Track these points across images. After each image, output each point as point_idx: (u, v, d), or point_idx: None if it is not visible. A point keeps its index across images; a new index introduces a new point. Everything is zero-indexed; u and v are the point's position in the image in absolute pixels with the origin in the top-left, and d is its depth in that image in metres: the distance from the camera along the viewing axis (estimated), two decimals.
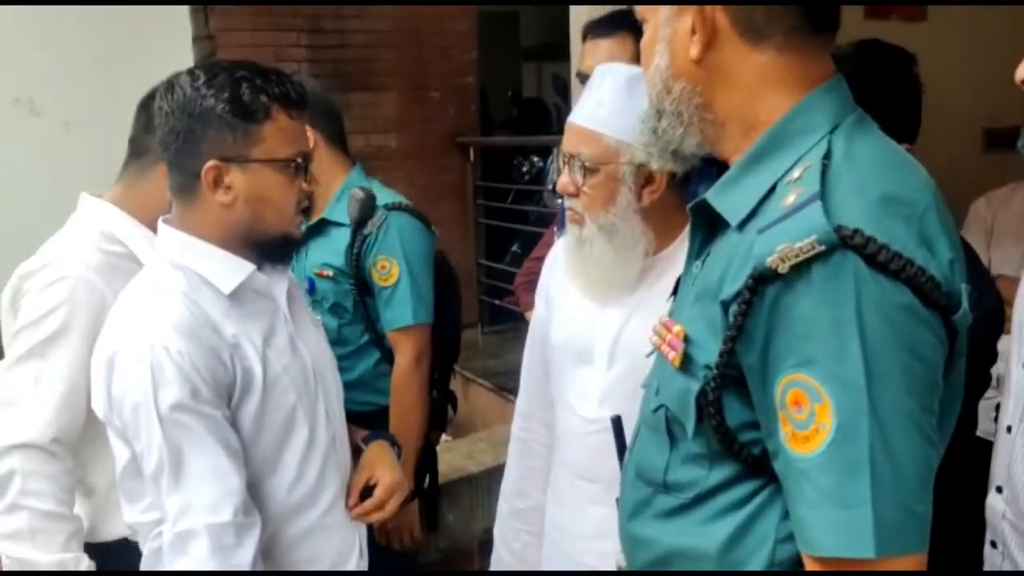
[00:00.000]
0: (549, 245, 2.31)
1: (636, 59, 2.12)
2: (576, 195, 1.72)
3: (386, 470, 1.79)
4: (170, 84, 1.58)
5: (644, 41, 1.26)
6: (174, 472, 1.49)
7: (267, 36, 4.65)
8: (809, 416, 1.03)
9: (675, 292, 1.38)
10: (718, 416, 1.14)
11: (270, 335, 1.64)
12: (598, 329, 1.79)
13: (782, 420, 1.06)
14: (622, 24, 2.21)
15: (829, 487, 1.02)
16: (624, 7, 2.26)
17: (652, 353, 1.33)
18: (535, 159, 5.47)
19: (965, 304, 1.07)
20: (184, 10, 3.16)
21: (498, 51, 8.42)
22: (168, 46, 3.19)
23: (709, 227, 1.25)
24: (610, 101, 1.69)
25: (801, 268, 1.02)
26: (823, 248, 1.01)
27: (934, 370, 1.06)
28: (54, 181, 3.06)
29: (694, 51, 1.18)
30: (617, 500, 1.42)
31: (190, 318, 1.53)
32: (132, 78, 3.15)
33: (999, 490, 1.54)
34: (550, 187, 5.59)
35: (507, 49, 9.37)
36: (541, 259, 2.10)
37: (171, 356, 1.48)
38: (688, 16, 1.18)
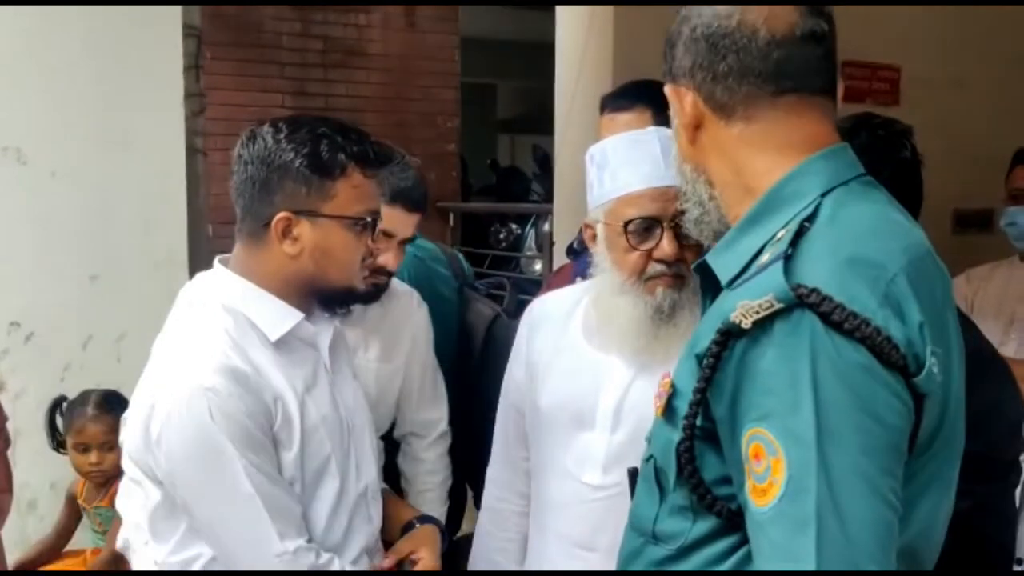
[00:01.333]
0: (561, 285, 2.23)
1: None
2: (682, 259, 1.64)
3: (431, 553, 1.81)
4: (252, 134, 1.61)
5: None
6: (231, 509, 1.50)
7: (253, 97, 4.71)
8: (766, 470, 1.04)
9: None
10: (692, 468, 1.15)
11: (312, 384, 1.64)
12: (601, 391, 1.72)
13: (747, 473, 1.07)
14: (641, 97, 2.19)
15: (779, 541, 1.03)
16: (642, 80, 2.23)
17: None
18: (513, 226, 5.53)
19: (930, 366, 1.07)
20: (176, 63, 3.18)
21: (476, 121, 8.55)
22: (158, 98, 3.20)
23: (714, 287, 1.27)
24: (664, 159, 1.64)
25: (765, 324, 1.05)
26: (781, 305, 1.04)
27: (894, 432, 1.05)
28: (41, 229, 3.05)
29: (686, 135, 1.28)
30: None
31: (238, 362, 1.53)
32: (121, 130, 3.18)
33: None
34: (528, 253, 5.68)
35: (484, 119, 9.52)
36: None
37: (220, 396, 1.48)
38: (678, 104, 1.28)
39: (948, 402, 1.13)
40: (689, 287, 1.64)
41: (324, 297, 1.66)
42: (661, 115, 2.06)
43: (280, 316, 1.61)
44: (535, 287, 4.87)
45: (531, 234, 5.51)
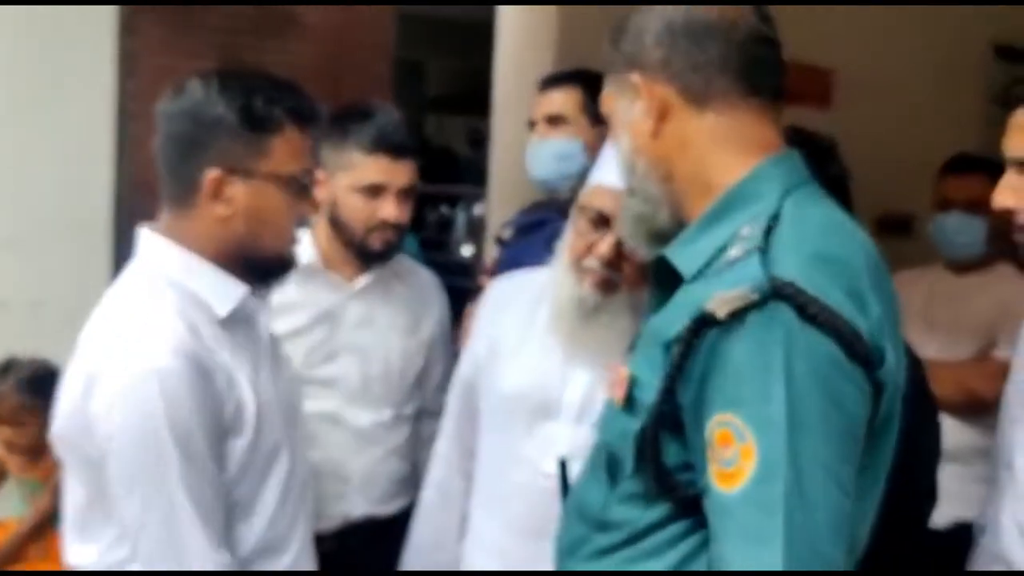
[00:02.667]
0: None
1: (583, 110, 2.20)
2: (617, 265, 1.67)
3: None
4: (178, 88, 1.50)
5: (612, 131, 1.35)
6: (155, 505, 1.39)
7: (181, 60, 4.55)
8: (734, 455, 1.09)
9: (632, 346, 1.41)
10: (655, 454, 1.18)
11: (257, 365, 1.55)
12: (569, 383, 1.74)
13: (711, 458, 1.12)
14: (573, 78, 2.30)
15: (747, 523, 1.08)
16: (577, 68, 2.34)
17: None
18: (443, 208, 5.51)
19: (890, 360, 1.14)
20: (108, 23, 3.06)
21: (404, 98, 8.46)
22: (87, 58, 3.09)
23: (667, 282, 1.30)
24: None
25: (738, 315, 1.09)
26: (756, 297, 1.09)
27: (854, 422, 1.12)
28: None
29: (648, 126, 1.28)
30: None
31: (191, 342, 1.43)
32: (47, 88, 3.06)
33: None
34: (457, 236, 5.67)
35: (413, 97, 9.41)
36: None
37: (175, 381, 1.39)
38: (640, 99, 1.29)
39: (895, 393, 1.19)
40: (619, 295, 1.68)
41: (256, 266, 1.56)
42: (589, 96, 2.16)
43: (225, 290, 1.52)
44: (464, 270, 4.87)
45: (461, 217, 5.49)
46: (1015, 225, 1.48)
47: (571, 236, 1.75)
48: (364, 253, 2.11)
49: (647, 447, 1.19)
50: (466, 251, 5.25)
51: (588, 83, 2.19)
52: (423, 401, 2.29)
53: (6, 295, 3.03)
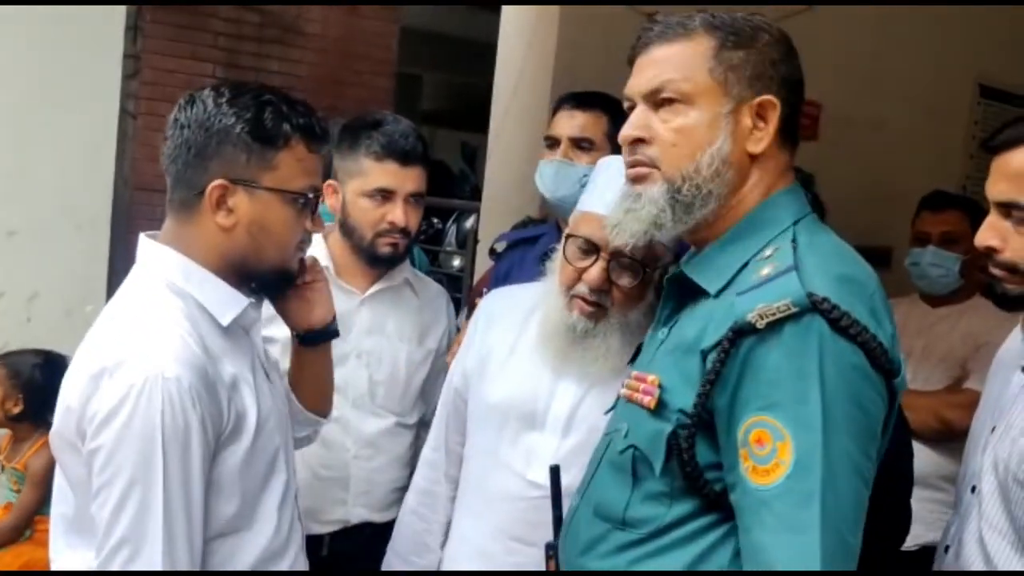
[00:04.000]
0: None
1: (607, 137, 2.21)
2: (608, 291, 1.70)
3: None
4: (191, 98, 1.51)
5: (689, 122, 1.36)
6: (137, 515, 1.37)
7: (184, 63, 4.61)
8: (771, 452, 1.20)
9: (633, 358, 1.53)
10: (690, 453, 1.28)
11: (255, 373, 1.56)
12: (556, 396, 1.78)
13: (743, 456, 1.23)
14: (599, 102, 2.29)
15: (785, 514, 1.19)
16: (597, 91, 2.34)
17: (610, 411, 1.48)
18: (435, 220, 5.56)
19: (904, 372, 1.27)
20: (118, 23, 3.11)
21: (401, 111, 8.51)
22: (95, 58, 3.13)
23: (680, 297, 1.42)
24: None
25: (775, 326, 1.21)
26: (796, 310, 1.20)
27: (874, 422, 1.25)
28: None
29: (759, 146, 1.37)
30: (551, 545, 1.56)
31: (199, 352, 1.43)
32: (54, 86, 3.10)
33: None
34: (447, 248, 5.72)
35: (409, 111, 9.49)
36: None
37: (180, 391, 1.37)
38: (748, 113, 1.36)
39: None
40: (609, 320, 1.73)
41: (255, 278, 1.56)
42: (613, 124, 2.18)
43: (227, 299, 1.52)
44: (454, 282, 4.92)
45: (452, 229, 5.55)
46: (995, 263, 1.56)
47: (561, 263, 1.79)
48: (372, 258, 2.16)
49: (681, 447, 1.29)
50: (456, 263, 5.30)
51: (611, 109, 2.21)
52: (426, 412, 2.32)
53: (4, 287, 3.07)
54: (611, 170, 1.74)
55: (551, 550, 1.59)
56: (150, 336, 1.42)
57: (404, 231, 2.13)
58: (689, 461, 1.29)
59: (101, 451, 1.38)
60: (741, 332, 1.23)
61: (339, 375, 1.90)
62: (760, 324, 1.21)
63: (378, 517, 2.22)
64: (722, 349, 1.24)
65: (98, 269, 3.22)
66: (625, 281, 1.70)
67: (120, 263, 3.13)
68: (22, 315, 3.11)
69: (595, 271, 1.70)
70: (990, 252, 1.55)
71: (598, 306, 1.72)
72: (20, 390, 2.88)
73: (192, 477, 1.40)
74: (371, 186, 2.11)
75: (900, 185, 3.67)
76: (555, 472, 1.61)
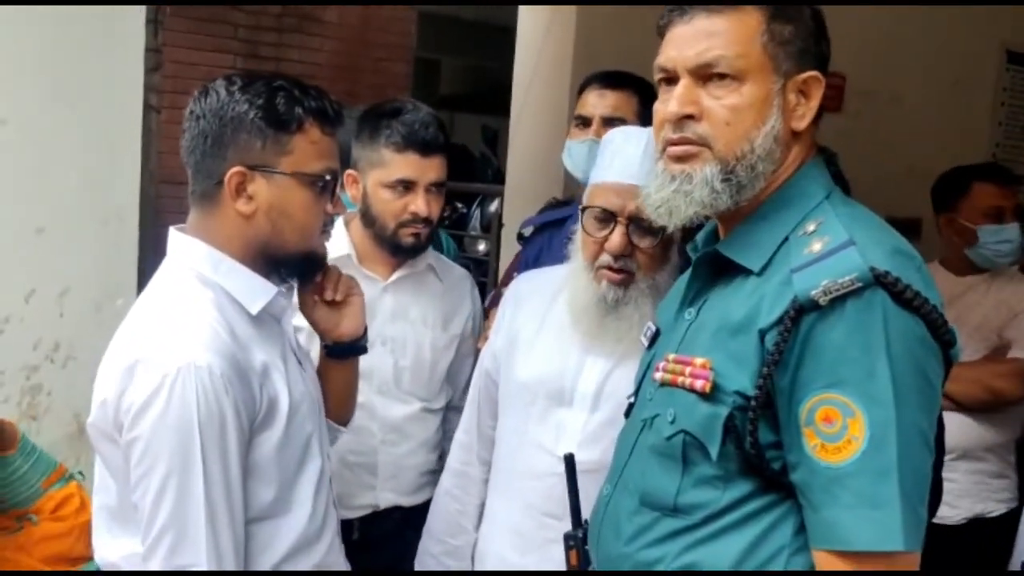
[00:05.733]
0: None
1: (638, 116, 2.21)
2: (630, 256, 1.72)
3: None
4: (205, 89, 1.52)
5: (744, 100, 1.31)
6: (178, 503, 1.39)
7: (204, 56, 4.64)
8: (841, 429, 1.19)
9: (653, 339, 1.50)
10: (754, 435, 1.26)
11: (286, 361, 1.57)
12: (584, 372, 1.80)
13: (808, 435, 1.21)
14: (629, 82, 2.30)
15: (863, 490, 1.18)
16: (625, 71, 2.34)
17: (633, 394, 1.46)
18: (458, 204, 5.56)
19: (959, 342, 1.26)
20: (138, 17, 3.13)
21: (420, 96, 8.52)
22: (117, 52, 3.14)
23: (710, 277, 1.39)
24: (641, 160, 1.70)
25: (836, 302, 1.19)
26: (860, 284, 1.18)
27: (937, 393, 1.24)
28: None
29: (803, 123, 1.34)
30: (570, 536, 1.54)
31: (229, 340, 1.45)
32: (77, 81, 3.12)
33: None
34: (472, 233, 5.73)
35: (428, 96, 9.49)
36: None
37: (213, 379, 1.39)
38: (793, 89, 1.33)
39: None
40: (638, 284, 1.74)
41: (282, 263, 1.56)
42: (643, 103, 2.18)
43: (256, 288, 1.54)
44: (480, 267, 4.93)
45: (476, 214, 5.55)
46: None
47: (581, 238, 1.81)
48: (395, 247, 2.16)
49: (743, 429, 1.26)
50: (481, 247, 5.30)
51: (641, 89, 2.22)
52: (452, 396, 2.33)
53: (34, 284, 3.10)
54: (615, 142, 1.79)
55: (571, 540, 1.57)
56: (180, 326, 1.44)
57: (427, 220, 2.13)
58: (754, 443, 1.26)
59: (139, 442, 1.40)
60: (803, 309, 1.21)
61: (364, 361, 1.91)
62: (823, 300, 1.19)
63: (407, 501, 2.24)
64: (784, 328, 1.21)
65: (127, 263, 3.23)
66: (647, 243, 1.71)
67: (149, 257, 3.15)
68: (54, 311, 3.14)
69: (616, 237, 1.72)
70: None
71: (625, 272, 1.73)
72: None
73: (230, 462, 1.42)
74: (392, 177, 2.10)
75: (921, 158, 3.63)
76: (570, 461, 1.61)
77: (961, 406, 2.59)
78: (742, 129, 1.31)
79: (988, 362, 2.68)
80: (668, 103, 1.34)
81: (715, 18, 1.31)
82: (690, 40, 1.32)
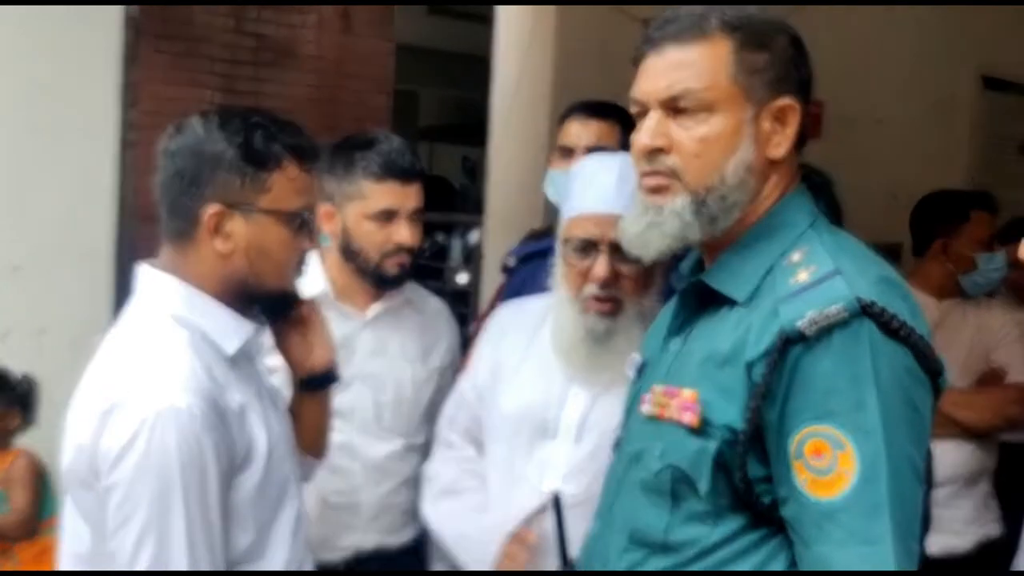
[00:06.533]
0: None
1: (621, 146, 2.16)
2: (615, 283, 1.71)
3: None
4: (179, 125, 1.51)
5: (712, 130, 1.29)
6: (159, 550, 1.37)
7: (181, 91, 4.60)
8: (831, 463, 1.17)
9: (639, 370, 1.48)
10: (742, 469, 1.23)
11: (262, 401, 1.55)
12: (568, 403, 1.78)
13: (798, 469, 1.19)
14: (612, 112, 2.30)
15: (854, 526, 1.15)
16: (607, 101, 2.35)
17: (620, 427, 1.42)
18: (438, 236, 5.55)
19: (946, 372, 1.24)
20: (114, 52, 3.11)
21: (398, 128, 8.54)
22: (93, 88, 3.13)
23: (695, 307, 1.37)
24: (617, 187, 1.70)
25: (823, 333, 1.17)
26: (847, 315, 1.16)
27: (926, 423, 1.23)
28: None
29: (779, 151, 1.32)
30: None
31: (207, 381, 1.42)
32: (52, 117, 3.09)
33: None
34: (452, 264, 5.72)
35: (407, 127, 9.50)
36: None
37: (192, 422, 1.37)
38: (767, 117, 1.31)
39: None
40: (626, 312, 1.72)
41: (258, 301, 1.55)
42: (626, 135, 2.18)
43: (233, 328, 1.51)
44: (460, 298, 4.91)
45: (457, 245, 5.54)
46: None
47: (562, 271, 1.79)
48: (379, 279, 2.13)
49: (732, 465, 1.24)
50: (462, 279, 5.29)
51: (623, 119, 2.20)
52: (432, 431, 2.26)
53: (10, 323, 3.05)
54: (587, 171, 1.79)
55: None
56: (157, 368, 1.41)
57: (411, 250, 2.12)
58: (742, 478, 1.24)
59: (117, 488, 1.37)
60: (790, 340, 1.19)
61: (344, 400, 1.88)
62: (810, 331, 1.17)
63: (390, 541, 2.20)
64: (771, 360, 1.20)
65: (103, 300, 3.20)
66: (630, 268, 1.70)
67: (125, 294, 3.10)
68: (31, 350, 3.10)
69: (600, 265, 1.71)
70: None
71: (612, 300, 1.72)
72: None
73: (210, 507, 1.40)
74: (374, 208, 2.08)
75: (902, 183, 3.65)
76: (556, 501, 1.58)
77: (974, 434, 2.62)
78: (711, 160, 1.29)
79: (1000, 389, 2.71)
80: (640, 135, 1.34)
81: (685, 49, 1.30)
82: (661, 72, 1.32)
